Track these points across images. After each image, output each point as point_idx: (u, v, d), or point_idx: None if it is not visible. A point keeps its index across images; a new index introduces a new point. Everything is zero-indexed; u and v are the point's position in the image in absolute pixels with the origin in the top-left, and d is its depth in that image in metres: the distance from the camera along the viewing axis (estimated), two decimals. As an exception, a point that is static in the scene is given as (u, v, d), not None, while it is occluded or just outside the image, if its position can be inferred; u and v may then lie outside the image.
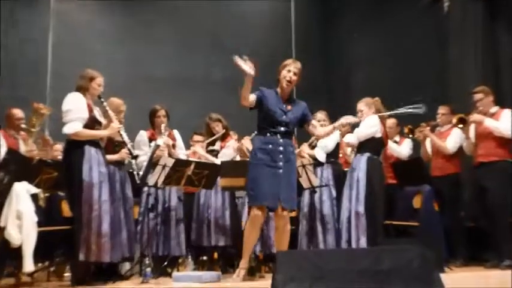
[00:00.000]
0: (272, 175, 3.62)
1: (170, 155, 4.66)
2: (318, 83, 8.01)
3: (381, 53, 7.19)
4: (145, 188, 4.59)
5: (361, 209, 4.52)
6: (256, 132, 3.88)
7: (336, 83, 8.07)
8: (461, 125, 4.87)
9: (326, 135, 4.09)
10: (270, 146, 3.66)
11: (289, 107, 3.77)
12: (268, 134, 3.70)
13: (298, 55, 7.82)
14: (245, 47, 7.88)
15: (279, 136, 3.69)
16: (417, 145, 5.44)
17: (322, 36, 8.40)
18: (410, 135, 5.24)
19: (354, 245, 4.48)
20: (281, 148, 3.68)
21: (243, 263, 3.71)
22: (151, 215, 4.54)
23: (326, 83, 8.19)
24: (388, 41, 7.10)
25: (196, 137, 5.62)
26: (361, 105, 4.82)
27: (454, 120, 4.91)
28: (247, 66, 3.45)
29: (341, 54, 8.09)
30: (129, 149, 4.16)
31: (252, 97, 3.69)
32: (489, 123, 4.68)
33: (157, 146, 4.63)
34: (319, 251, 4.32)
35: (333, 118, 5.71)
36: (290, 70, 3.75)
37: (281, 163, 3.66)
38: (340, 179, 4.94)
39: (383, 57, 7.13)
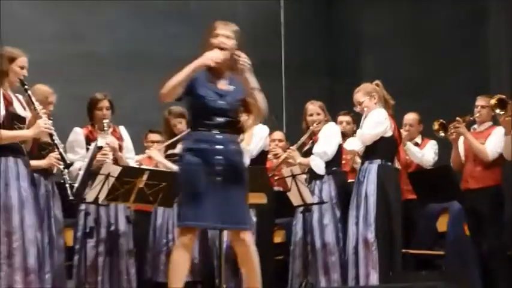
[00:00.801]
0: (207, 185, 3.43)
1: (116, 161, 4.68)
2: (317, 66, 8.06)
3: (397, 30, 7.25)
4: (83, 206, 4.60)
5: (371, 235, 4.56)
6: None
7: (341, 66, 8.14)
8: (500, 111, 4.88)
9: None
10: (204, 145, 3.48)
11: (226, 87, 3.56)
12: (200, 129, 3.51)
13: (287, 29, 7.89)
14: (219, 15, 7.93)
15: (216, 131, 3.50)
16: (441, 149, 5.48)
17: (320, 6, 8.45)
18: (441, 133, 5.21)
19: (361, 283, 4.51)
20: (219, 147, 3.47)
21: None
22: (90, 241, 4.55)
23: (328, 66, 8.26)
24: (406, 16, 7.17)
25: (152, 137, 5.64)
26: (360, 96, 4.82)
27: (493, 102, 4.88)
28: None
29: (347, 31, 8.14)
30: (60, 154, 4.11)
31: None
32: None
33: (99, 149, 4.63)
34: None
35: (334, 109, 5.78)
36: (219, 34, 3.58)
37: (220, 168, 3.45)
38: (346, 193, 4.96)
39: (399, 35, 7.19)
